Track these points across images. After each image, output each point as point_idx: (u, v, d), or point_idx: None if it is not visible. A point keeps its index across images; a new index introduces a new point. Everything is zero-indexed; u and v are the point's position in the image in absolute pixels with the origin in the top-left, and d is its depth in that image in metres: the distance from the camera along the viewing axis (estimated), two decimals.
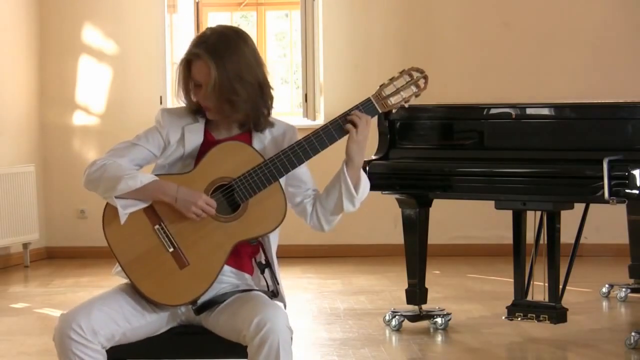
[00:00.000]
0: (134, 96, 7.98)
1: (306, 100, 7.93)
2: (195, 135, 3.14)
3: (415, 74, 3.14)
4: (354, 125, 3.07)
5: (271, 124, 3.18)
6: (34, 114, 8.11)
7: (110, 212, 3.04)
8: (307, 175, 3.18)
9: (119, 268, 3.07)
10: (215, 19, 8.43)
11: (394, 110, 3.15)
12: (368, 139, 3.10)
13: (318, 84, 7.95)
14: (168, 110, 3.21)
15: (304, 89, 8.01)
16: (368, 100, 3.11)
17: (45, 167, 8.18)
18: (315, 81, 7.97)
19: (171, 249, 3.02)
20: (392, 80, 3.12)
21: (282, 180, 3.09)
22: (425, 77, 3.14)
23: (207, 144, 3.13)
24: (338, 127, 3.09)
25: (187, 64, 3.09)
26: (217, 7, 8.50)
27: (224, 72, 3.04)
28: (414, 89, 3.13)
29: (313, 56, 7.95)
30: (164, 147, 3.14)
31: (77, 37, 8.11)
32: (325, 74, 7.96)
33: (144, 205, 3.02)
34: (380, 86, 3.12)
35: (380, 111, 3.12)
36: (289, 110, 8.41)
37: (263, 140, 3.16)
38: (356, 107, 3.10)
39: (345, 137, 3.10)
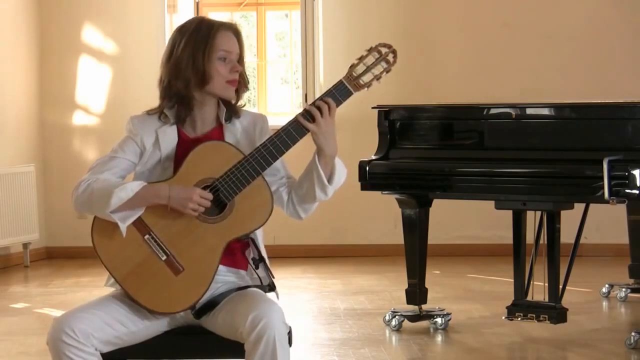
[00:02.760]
0: (134, 96, 7.97)
1: (306, 100, 7.93)
2: (169, 136, 3.14)
3: (384, 50, 3.13)
4: (313, 118, 3.05)
5: (239, 114, 3.19)
6: (34, 114, 8.11)
7: (98, 230, 3.04)
8: (281, 163, 3.17)
9: (112, 280, 3.06)
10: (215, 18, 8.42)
11: (366, 89, 3.12)
12: (334, 128, 3.04)
13: (318, 84, 7.96)
14: (137, 117, 3.20)
15: (304, 89, 8.02)
16: (340, 82, 3.10)
17: (45, 167, 8.18)
18: (315, 81, 7.98)
19: (164, 257, 3.02)
20: (361, 59, 3.11)
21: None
22: (394, 52, 3.13)
23: (183, 144, 3.13)
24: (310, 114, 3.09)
25: (213, 40, 3.09)
26: (217, 7, 8.50)
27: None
28: (384, 65, 3.11)
29: (313, 56, 7.95)
30: (140, 154, 3.13)
31: (77, 37, 8.11)
32: (325, 74, 7.96)
33: (140, 212, 3.01)
34: (350, 67, 3.10)
35: (354, 92, 3.10)
36: (289, 110, 8.41)
37: (235, 133, 3.16)
38: (329, 91, 3.09)
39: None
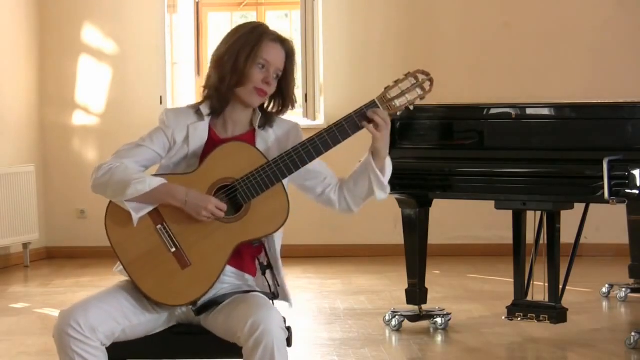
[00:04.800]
0: (134, 96, 7.98)
1: (306, 100, 7.93)
2: (199, 134, 3.15)
3: (421, 77, 3.11)
4: (378, 124, 3.07)
5: (273, 122, 3.21)
6: (34, 114, 8.11)
7: (113, 212, 3.05)
8: (321, 167, 3.19)
9: (121, 267, 3.07)
10: (215, 19, 8.43)
11: (398, 113, 3.14)
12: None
13: (318, 84, 7.95)
14: (173, 110, 3.22)
15: (304, 89, 8.01)
16: (373, 102, 3.09)
17: (45, 167, 8.18)
18: (315, 81, 7.97)
19: (173, 249, 3.02)
20: (397, 82, 3.10)
21: (285, 182, 3.09)
22: (431, 80, 3.10)
23: (212, 143, 3.13)
24: (343, 130, 3.08)
25: (258, 47, 3.10)
26: (217, 7, 8.50)
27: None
28: (419, 91, 3.10)
29: (313, 56, 7.95)
30: (169, 148, 3.14)
31: (77, 37, 8.11)
32: (325, 74, 7.96)
33: (154, 206, 3.02)
34: (386, 88, 3.11)
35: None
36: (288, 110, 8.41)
37: (267, 140, 3.17)
38: (361, 110, 3.09)
39: (345, 140, 3.12)
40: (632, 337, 4.81)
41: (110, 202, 3.06)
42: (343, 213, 3.25)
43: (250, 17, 8.58)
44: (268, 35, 3.14)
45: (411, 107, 3.12)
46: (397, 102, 3.09)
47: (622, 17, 7.93)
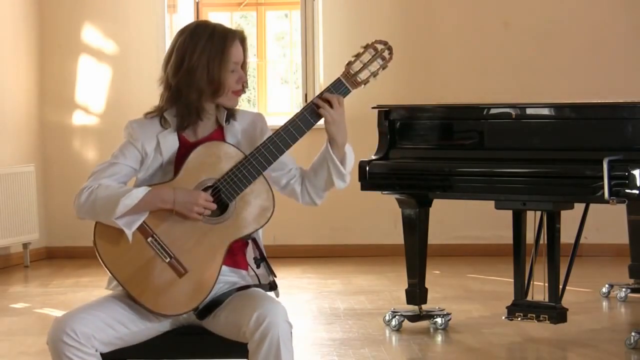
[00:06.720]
0: (134, 96, 7.98)
1: (306, 100, 7.93)
2: (170, 141, 3.13)
3: (380, 47, 3.15)
4: (330, 106, 3.07)
5: (237, 114, 3.20)
6: (34, 114, 8.11)
7: (100, 233, 3.02)
8: (286, 157, 3.16)
9: (114, 283, 3.06)
10: (215, 19, 8.43)
11: (363, 86, 3.14)
12: (344, 117, 3.10)
13: (318, 84, 7.96)
14: (136, 122, 3.17)
15: (304, 89, 8.02)
16: (338, 80, 3.13)
17: (45, 167, 8.18)
18: (315, 81, 7.98)
19: (167, 259, 3.01)
20: (357, 56, 3.14)
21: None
22: (390, 48, 3.14)
23: (183, 148, 3.12)
24: (313, 112, 3.09)
25: (226, 54, 3.08)
26: (217, 7, 8.50)
27: None
28: (380, 61, 3.14)
29: (313, 56, 7.96)
30: (141, 160, 3.11)
31: (77, 37, 8.11)
32: (325, 74, 7.96)
33: (144, 216, 3.00)
34: (347, 64, 3.14)
35: (352, 89, 3.13)
36: (289, 110, 8.41)
37: (236, 134, 3.17)
38: (327, 89, 3.11)
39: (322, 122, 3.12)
40: (632, 337, 4.81)
41: (97, 223, 3.02)
42: (306, 205, 3.23)
43: (250, 17, 8.58)
44: (228, 36, 3.09)
45: (375, 78, 3.13)
46: (361, 76, 3.13)
47: (622, 17, 7.93)
